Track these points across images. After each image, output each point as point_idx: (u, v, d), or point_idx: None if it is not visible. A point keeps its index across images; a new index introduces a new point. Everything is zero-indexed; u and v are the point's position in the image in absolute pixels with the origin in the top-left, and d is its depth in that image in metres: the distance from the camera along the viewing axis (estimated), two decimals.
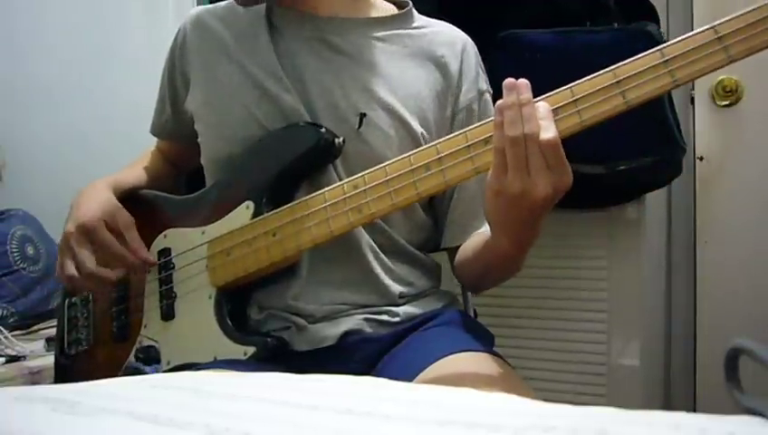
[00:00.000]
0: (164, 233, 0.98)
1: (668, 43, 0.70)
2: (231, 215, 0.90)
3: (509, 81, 0.70)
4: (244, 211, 0.89)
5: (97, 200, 0.95)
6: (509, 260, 0.82)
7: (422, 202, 0.96)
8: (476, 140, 0.77)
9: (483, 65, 1.00)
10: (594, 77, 0.72)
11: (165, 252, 0.96)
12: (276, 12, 0.95)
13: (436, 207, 0.99)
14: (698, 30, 0.69)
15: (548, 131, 0.69)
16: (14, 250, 1.76)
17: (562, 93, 0.73)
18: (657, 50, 0.70)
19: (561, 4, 1.62)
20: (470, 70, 0.97)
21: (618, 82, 0.71)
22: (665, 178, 1.64)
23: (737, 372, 0.31)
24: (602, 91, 0.72)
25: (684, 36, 0.70)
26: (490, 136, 0.75)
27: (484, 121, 0.77)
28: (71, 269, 0.91)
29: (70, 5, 2.16)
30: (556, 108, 0.72)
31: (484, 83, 0.98)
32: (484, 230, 0.92)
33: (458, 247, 0.96)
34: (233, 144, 0.92)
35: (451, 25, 1.01)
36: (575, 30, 1.54)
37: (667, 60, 0.70)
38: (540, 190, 0.68)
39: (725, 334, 1.42)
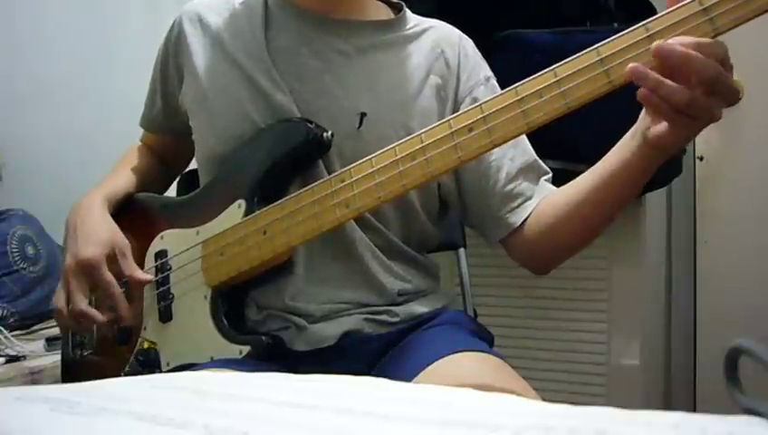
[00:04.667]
0: (160, 235, 0.97)
1: (653, 17, 0.69)
2: (224, 214, 0.90)
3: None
4: (236, 210, 0.89)
5: (95, 227, 0.93)
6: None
7: (428, 205, 0.95)
8: (460, 126, 0.76)
9: (481, 56, 1.00)
10: (577, 57, 0.71)
11: (161, 254, 0.96)
12: (274, 10, 0.95)
13: (468, 200, 0.95)
14: (683, 2, 0.67)
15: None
16: (14, 250, 1.75)
17: (545, 75, 0.72)
18: (642, 25, 0.69)
19: (560, 4, 1.62)
20: (468, 60, 0.97)
21: (601, 59, 0.70)
22: (665, 177, 1.64)
23: (737, 372, 0.31)
24: (586, 70, 0.70)
25: (668, 10, 0.68)
26: (473, 123, 0.75)
27: (467, 109, 0.77)
28: (61, 302, 0.91)
29: (70, 5, 2.16)
30: (540, 89, 0.72)
31: (487, 71, 0.99)
32: (542, 194, 0.91)
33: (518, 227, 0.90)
34: (225, 142, 0.91)
35: (442, 22, 1.01)
36: (575, 30, 1.54)
37: (651, 34, 0.68)
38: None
39: (725, 334, 1.41)
